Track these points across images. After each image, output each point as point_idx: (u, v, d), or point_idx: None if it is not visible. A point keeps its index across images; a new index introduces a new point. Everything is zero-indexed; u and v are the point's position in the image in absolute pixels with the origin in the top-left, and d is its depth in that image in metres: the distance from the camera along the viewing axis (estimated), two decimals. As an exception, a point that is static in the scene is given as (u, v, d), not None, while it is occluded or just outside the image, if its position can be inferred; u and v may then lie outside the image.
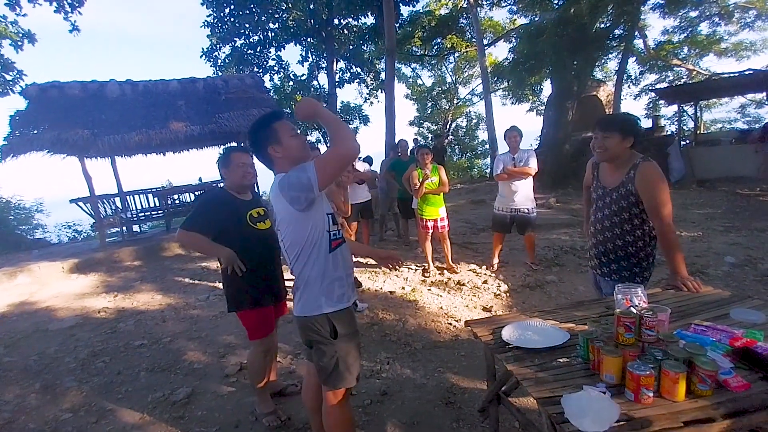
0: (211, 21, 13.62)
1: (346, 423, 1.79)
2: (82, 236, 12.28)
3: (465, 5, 15.60)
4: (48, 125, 7.14)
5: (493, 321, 1.74)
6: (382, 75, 15.26)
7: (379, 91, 17.62)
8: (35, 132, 7.07)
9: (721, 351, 1.31)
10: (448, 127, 23.80)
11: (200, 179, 10.60)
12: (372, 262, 5.54)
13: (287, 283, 2.39)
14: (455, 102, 23.81)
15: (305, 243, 1.61)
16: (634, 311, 1.37)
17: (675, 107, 10.81)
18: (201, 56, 14.29)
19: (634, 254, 2.09)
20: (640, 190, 1.94)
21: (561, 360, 1.38)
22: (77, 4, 9.91)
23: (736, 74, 11.01)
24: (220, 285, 5.16)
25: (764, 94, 10.67)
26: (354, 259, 4.53)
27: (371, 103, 19.09)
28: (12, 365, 3.49)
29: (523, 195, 4.48)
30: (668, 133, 11.77)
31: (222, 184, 2.42)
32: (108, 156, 8.75)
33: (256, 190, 2.82)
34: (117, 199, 8.66)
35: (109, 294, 5.24)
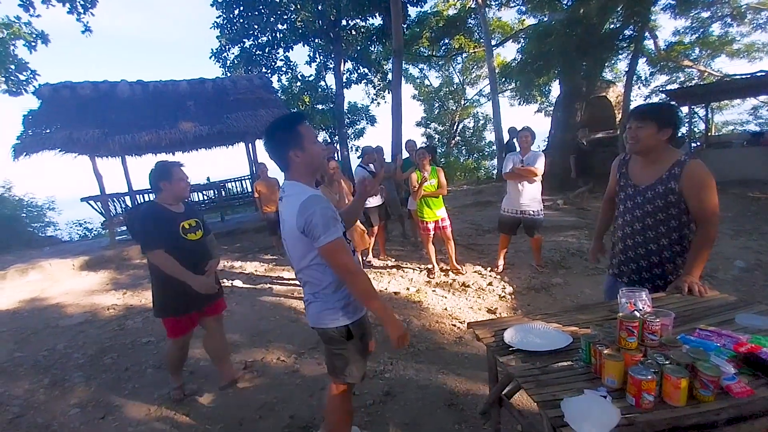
0: (221, 22, 13.71)
1: (344, 413, 1.88)
2: (92, 234, 12.46)
3: (473, 6, 15.55)
4: (60, 125, 7.27)
5: (495, 323, 1.74)
6: (390, 76, 15.28)
7: (387, 91, 17.63)
8: (48, 131, 7.20)
9: (725, 356, 1.30)
10: (455, 128, 23.74)
11: (208, 179, 10.71)
12: (377, 263, 5.55)
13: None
14: (462, 103, 23.75)
15: (312, 262, 1.62)
16: (638, 315, 1.36)
17: (686, 109, 10.68)
18: (210, 57, 14.40)
19: (670, 260, 1.93)
20: (687, 191, 1.80)
21: (563, 363, 1.38)
22: (89, 6, 10.04)
23: (748, 75, 10.85)
24: (227, 284, 5.24)
25: (777, 95, 10.49)
26: (361, 260, 4.57)
27: (378, 103, 19.09)
28: (22, 360, 3.56)
29: (529, 196, 4.45)
30: (679, 134, 11.64)
31: (154, 197, 2.57)
32: (118, 155, 8.87)
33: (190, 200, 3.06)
34: (127, 198, 8.78)
35: (118, 291, 5.32)
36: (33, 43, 10.20)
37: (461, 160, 22.41)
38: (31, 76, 10.34)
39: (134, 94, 8.23)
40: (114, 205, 8.34)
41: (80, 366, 3.38)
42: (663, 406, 1.12)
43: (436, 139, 23.14)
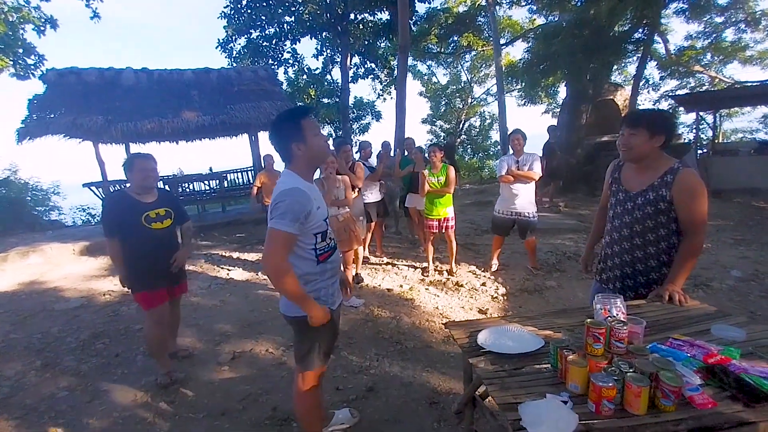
0: (228, 12, 13.71)
1: (313, 407, 1.92)
2: (95, 220, 12.56)
3: (483, 3, 15.41)
4: (64, 110, 7.32)
5: (472, 324, 1.74)
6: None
7: (393, 87, 17.53)
8: (52, 116, 7.24)
9: (694, 367, 1.30)
10: (461, 126, 23.61)
11: (210, 169, 10.74)
12: (373, 260, 5.56)
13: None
14: (469, 101, 23.60)
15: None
16: (608, 321, 1.36)
17: (693, 115, 10.55)
18: (216, 47, 14.40)
19: (656, 268, 1.92)
20: (678, 199, 1.79)
21: (532, 367, 1.38)
22: (98, -8, 10.08)
23: (759, 83, 10.70)
24: (223, 275, 5.28)
25: (788, 104, 10.33)
26: (362, 255, 4.56)
27: (384, 99, 19.04)
28: (16, 342, 3.62)
29: (524, 198, 4.43)
30: (685, 141, 11.52)
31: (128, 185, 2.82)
32: (121, 142, 8.90)
33: (169, 190, 3.27)
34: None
35: (115, 277, 5.34)
36: (42, 28, 10.24)
37: (466, 159, 22.32)
38: (39, 60, 10.40)
39: (139, 82, 8.25)
40: (116, 192, 8.41)
41: (72, 350, 3.43)
42: (623, 413, 1.13)
43: (442, 137, 23.05)
